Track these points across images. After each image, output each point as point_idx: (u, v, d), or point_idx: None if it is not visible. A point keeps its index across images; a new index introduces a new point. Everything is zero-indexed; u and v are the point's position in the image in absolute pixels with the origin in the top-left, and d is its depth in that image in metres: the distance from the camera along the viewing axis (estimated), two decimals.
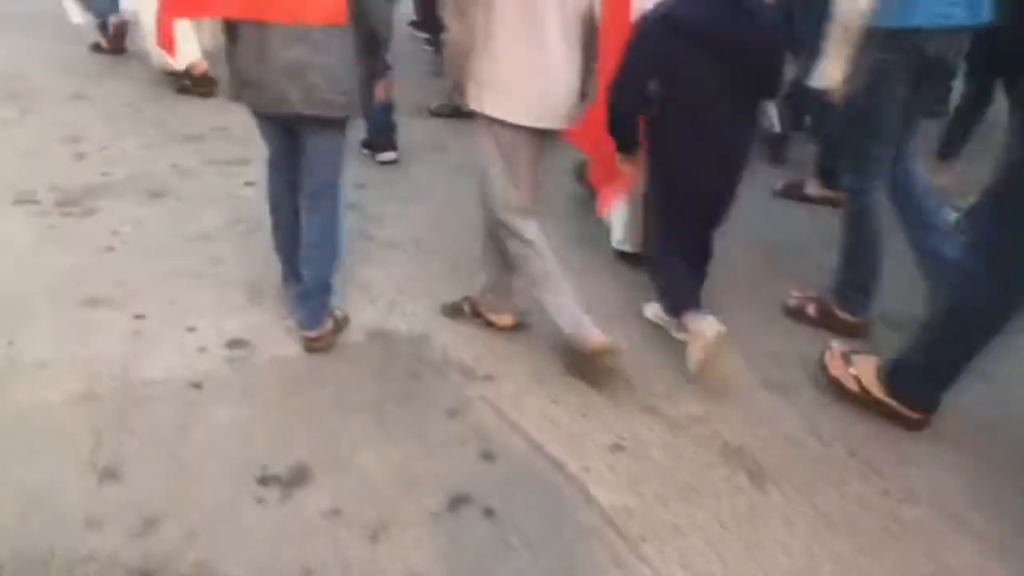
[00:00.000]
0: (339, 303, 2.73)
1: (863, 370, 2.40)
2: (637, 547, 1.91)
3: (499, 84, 2.31)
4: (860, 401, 2.39)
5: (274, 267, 2.77)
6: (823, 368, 2.50)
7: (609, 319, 2.68)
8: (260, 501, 1.99)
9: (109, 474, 2.04)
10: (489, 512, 1.99)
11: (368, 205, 3.66)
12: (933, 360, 2.25)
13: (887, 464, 2.23)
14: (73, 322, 2.67)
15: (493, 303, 2.72)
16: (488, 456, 2.18)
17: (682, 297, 2.54)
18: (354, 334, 2.70)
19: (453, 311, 2.81)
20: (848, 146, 2.75)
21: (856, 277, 2.75)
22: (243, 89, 2.33)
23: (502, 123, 2.35)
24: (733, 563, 1.88)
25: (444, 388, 2.45)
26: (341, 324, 2.69)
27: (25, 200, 3.50)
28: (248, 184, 3.78)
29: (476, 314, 2.76)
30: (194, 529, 1.89)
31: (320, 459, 2.13)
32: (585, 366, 2.46)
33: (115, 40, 5.49)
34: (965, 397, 2.36)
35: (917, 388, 2.31)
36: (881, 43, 2.44)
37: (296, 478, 2.06)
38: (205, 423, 2.25)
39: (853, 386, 2.41)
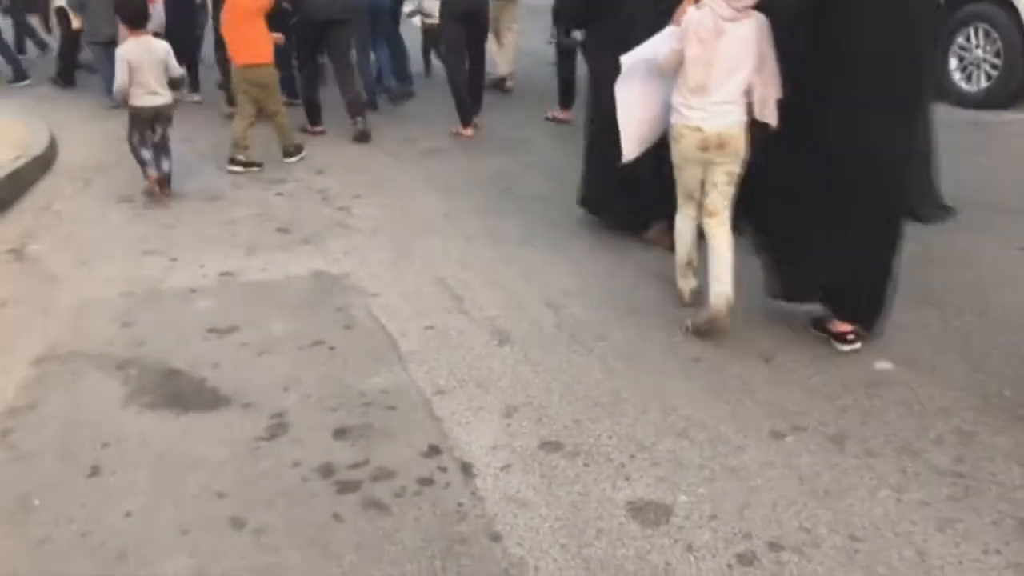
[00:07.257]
0: None
1: None
2: (399, 351, 3.20)
3: None
4: None
5: (270, 237, 4.27)
6: None
7: None
8: (205, 339, 3.43)
9: (127, 324, 3.55)
10: (332, 349, 3.34)
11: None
12: None
13: None
14: (132, 261, 4.25)
15: None
16: (348, 327, 3.53)
17: None
18: (303, 272, 4.13)
19: None
20: None
21: None
22: None
23: None
24: None
25: (343, 298, 3.83)
26: None
27: (125, 200, 5.21)
28: (278, 195, 5.36)
29: None
30: (165, 346, 3.34)
31: (248, 325, 3.54)
32: None
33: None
34: None
35: None
36: None
37: (228, 330, 3.49)
38: (191, 306, 3.74)
39: None
